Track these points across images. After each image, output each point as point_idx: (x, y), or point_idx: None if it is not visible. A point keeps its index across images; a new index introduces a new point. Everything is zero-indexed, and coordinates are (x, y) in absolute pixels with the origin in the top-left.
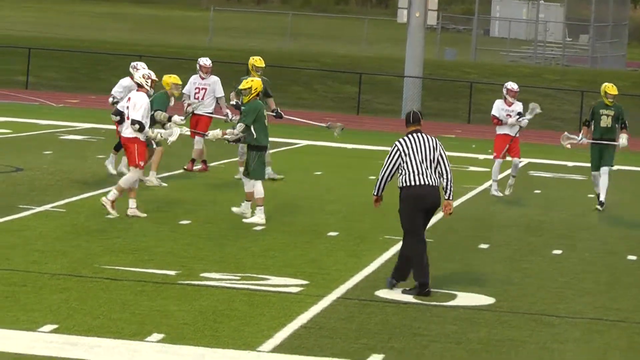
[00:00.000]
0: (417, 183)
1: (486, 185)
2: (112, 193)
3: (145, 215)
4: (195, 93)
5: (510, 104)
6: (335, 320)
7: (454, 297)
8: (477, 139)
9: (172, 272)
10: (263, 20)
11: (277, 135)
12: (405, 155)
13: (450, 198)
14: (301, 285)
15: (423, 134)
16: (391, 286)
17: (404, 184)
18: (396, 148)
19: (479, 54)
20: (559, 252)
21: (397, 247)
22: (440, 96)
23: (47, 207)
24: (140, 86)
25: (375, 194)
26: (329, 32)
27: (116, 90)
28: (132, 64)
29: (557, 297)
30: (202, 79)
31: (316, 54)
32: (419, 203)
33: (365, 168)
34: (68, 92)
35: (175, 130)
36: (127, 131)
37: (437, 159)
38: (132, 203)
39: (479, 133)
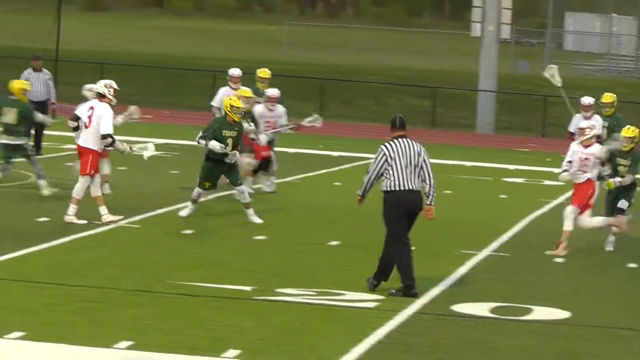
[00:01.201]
0: (400, 188)
1: (561, 199)
2: (72, 208)
3: (84, 222)
4: None
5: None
6: (411, 335)
7: (529, 311)
8: (551, 152)
9: (248, 288)
10: (336, 34)
11: (350, 150)
12: (391, 159)
13: (432, 203)
14: (377, 300)
15: (408, 140)
16: (373, 287)
17: (388, 189)
18: (382, 153)
19: None
20: (634, 265)
21: (473, 261)
22: (513, 110)
23: (122, 223)
24: (102, 96)
25: (359, 193)
26: (402, 45)
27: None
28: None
29: (632, 311)
30: (233, 89)
31: (390, 68)
32: (401, 207)
33: (441, 182)
34: (141, 107)
35: (150, 145)
36: (84, 139)
37: (421, 164)
38: (73, 210)
39: (553, 147)
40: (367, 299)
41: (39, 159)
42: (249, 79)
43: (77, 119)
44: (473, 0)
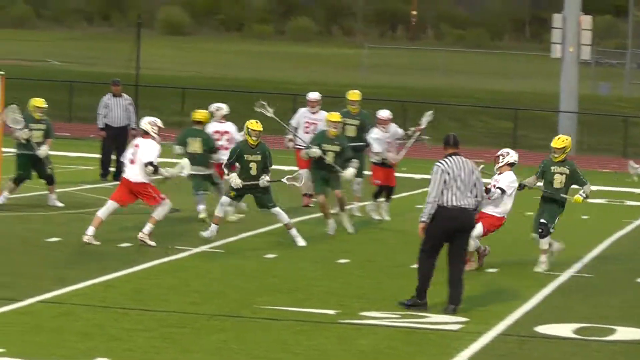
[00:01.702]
0: (450, 204)
1: None
2: (148, 226)
3: (154, 243)
4: (305, 127)
5: None
6: (495, 357)
7: (613, 331)
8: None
9: (332, 312)
10: (417, 57)
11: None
12: (448, 175)
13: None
14: (461, 323)
15: (461, 157)
16: (452, 311)
17: (440, 203)
18: (440, 169)
19: (633, 88)
20: None
21: (556, 282)
22: (594, 130)
23: (205, 248)
24: (146, 133)
25: (425, 220)
26: (483, 68)
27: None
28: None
29: None
30: (313, 113)
31: (471, 90)
32: (447, 224)
33: (522, 203)
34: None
35: (185, 161)
36: (134, 175)
37: (474, 181)
38: (148, 229)
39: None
40: (450, 321)
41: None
42: (328, 102)
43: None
44: (553, 22)
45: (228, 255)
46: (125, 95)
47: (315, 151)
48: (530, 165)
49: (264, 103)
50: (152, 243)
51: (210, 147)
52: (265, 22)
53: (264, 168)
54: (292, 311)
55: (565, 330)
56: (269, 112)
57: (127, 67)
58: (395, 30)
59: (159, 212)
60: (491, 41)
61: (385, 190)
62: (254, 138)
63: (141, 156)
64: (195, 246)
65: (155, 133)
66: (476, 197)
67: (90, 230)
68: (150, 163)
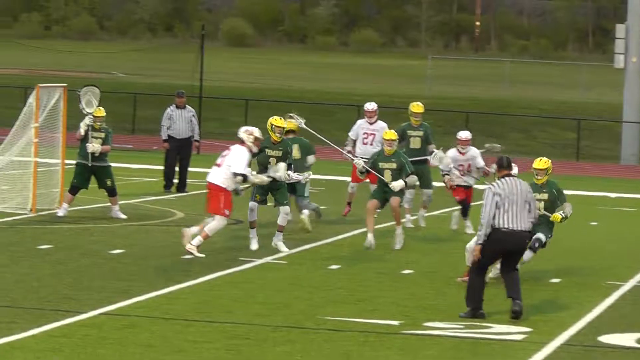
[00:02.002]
0: (504, 227)
1: None
2: (198, 239)
3: (202, 255)
4: (364, 138)
5: None
6: None
7: None
8: None
9: (396, 322)
10: (481, 68)
11: None
12: (500, 197)
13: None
14: (524, 333)
15: (515, 179)
16: (516, 316)
17: (494, 226)
18: (492, 192)
19: None
20: None
21: (619, 292)
22: None
23: (268, 259)
24: (242, 142)
25: (479, 242)
26: (547, 78)
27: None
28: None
29: None
30: (370, 124)
31: (535, 101)
32: (501, 246)
33: (586, 214)
34: None
35: (281, 164)
36: (214, 176)
37: (529, 201)
38: (198, 241)
39: None
40: (514, 332)
41: (183, 196)
42: (391, 113)
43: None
44: (616, 32)
45: (292, 266)
46: (188, 107)
47: (358, 162)
48: (594, 176)
49: (292, 115)
50: (201, 255)
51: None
52: (328, 34)
53: (287, 165)
54: (356, 322)
55: (629, 339)
56: (301, 123)
57: (190, 78)
58: (459, 41)
59: (212, 227)
60: (554, 51)
61: (462, 205)
62: (277, 134)
63: (229, 162)
64: (259, 257)
65: (251, 142)
66: (531, 218)
67: (197, 240)
68: (239, 174)
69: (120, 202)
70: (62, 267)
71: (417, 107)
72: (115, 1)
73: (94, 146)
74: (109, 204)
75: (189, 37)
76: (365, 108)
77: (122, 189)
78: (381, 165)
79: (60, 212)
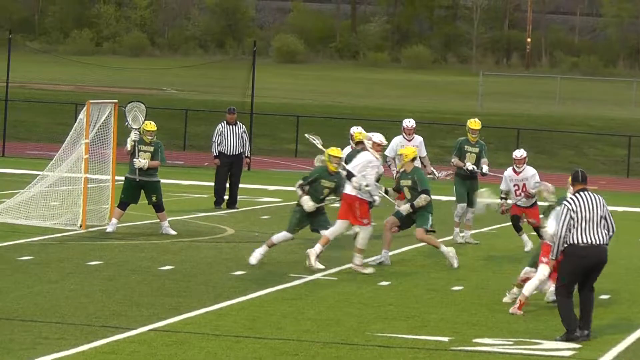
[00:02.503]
0: (582, 242)
1: None
2: (357, 257)
3: (372, 270)
4: None
5: None
6: None
7: None
8: None
9: (445, 339)
10: (532, 84)
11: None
12: (574, 212)
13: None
14: (574, 349)
15: (589, 193)
16: (584, 337)
17: (571, 242)
18: (566, 207)
19: None
20: None
21: None
22: None
23: (318, 275)
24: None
25: (553, 258)
26: (597, 94)
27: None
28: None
29: None
30: (408, 140)
31: (585, 117)
32: (580, 262)
33: (636, 230)
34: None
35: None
36: (349, 188)
37: (605, 215)
38: (358, 259)
39: None
40: (563, 348)
41: (234, 212)
42: (444, 129)
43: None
44: None
45: (342, 282)
46: (239, 124)
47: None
48: None
49: (308, 135)
50: (320, 266)
51: None
52: (380, 50)
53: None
54: (406, 339)
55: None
56: (319, 144)
57: (242, 95)
58: (510, 58)
59: (360, 241)
60: (605, 68)
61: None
62: (334, 165)
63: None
64: (310, 274)
65: (370, 147)
66: (608, 231)
67: (317, 248)
68: (348, 173)
69: (171, 219)
70: (111, 284)
71: (475, 123)
72: (166, 17)
73: (140, 161)
74: (158, 220)
75: (241, 53)
76: (404, 125)
77: (173, 205)
78: (402, 182)
79: (110, 228)
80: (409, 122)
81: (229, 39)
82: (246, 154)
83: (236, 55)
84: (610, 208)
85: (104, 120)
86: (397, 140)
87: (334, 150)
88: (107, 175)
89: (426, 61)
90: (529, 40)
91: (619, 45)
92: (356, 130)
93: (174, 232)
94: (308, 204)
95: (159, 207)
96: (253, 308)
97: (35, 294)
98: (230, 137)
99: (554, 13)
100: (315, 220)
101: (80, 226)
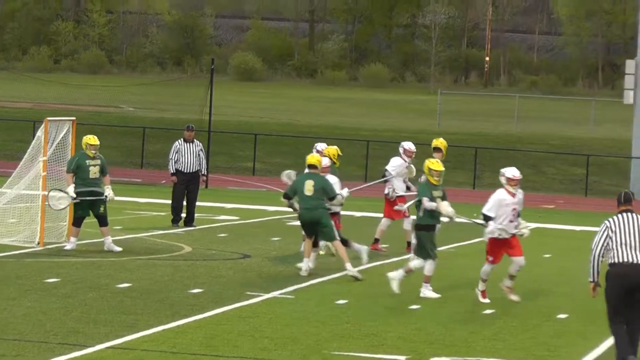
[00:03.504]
0: (622, 260)
1: None
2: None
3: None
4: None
5: None
6: None
7: None
8: None
9: (402, 357)
10: (490, 103)
11: None
12: (612, 232)
13: None
14: None
15: (633, 214)
16: None
17: (610, 261)
18: (605, 226)
19: None
20: None
21: None
22: None
23: (275, 293)
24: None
25: (591, 280)
26: (556, 113)
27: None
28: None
29: None
30: (407, 163)
31: (544, 136)
32: (621, 281)
33: None
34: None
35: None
36: None
37: None
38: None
39: None
40: None
41: (191, 230)
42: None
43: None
44: (626, 68)
45: (299, 301)
46: (196, 141)
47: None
48: (602, 212)
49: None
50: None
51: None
52: (338, 68)
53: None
54: (363, 357)
55: None
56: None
57: (199, 112)
58: (468, 77)
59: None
60: (564, 87)
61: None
62: (436, 178)
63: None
64: (266, 292)
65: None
66: None
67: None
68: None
69: (128, 236)
70: (69, 301)
71: (439, 142)
72: (124, 35)
73: (111, 194)
74: (101, 235)
75: (199, 71)
76: (408, 147)
77: (130, 222)
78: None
79: (69, 246)
80: (413, 147)
81: (187, 57)
82: (203, 172)
83: (194, 73)
84: (568, 227)
85: (62, 137)
86: (401, 162)
87: (434, 164)
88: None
89: (384, 80)
90: (487, 58)
91: (578, 64)
92: (324, 148)
93: (118, 249)
94: (448, 209)
95: (103, 220)
96: (210, 326)
97: None
98: (187, 155)
99: (512, 32)
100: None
101: (38, 243)
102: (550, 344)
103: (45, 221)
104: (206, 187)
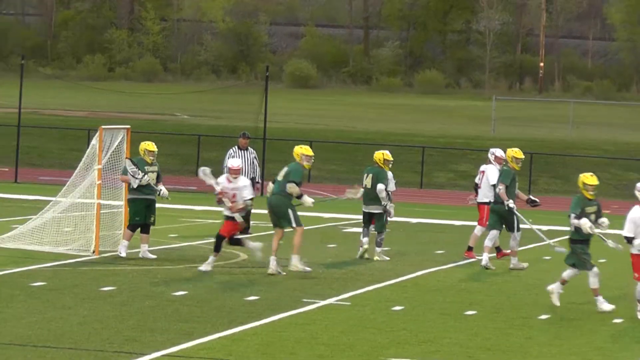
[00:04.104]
0: None
1: None
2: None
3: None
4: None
5: None
6: None
7: None
8: None
9: None
10: (545, 109)
11: (562, 224)
12: None
13: None
14: None
15: None
16: None
17: None
18: None
19: None
20: None
21: None
22: None
23: (332, 300)
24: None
25: None
26: (610, 119)
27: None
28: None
29: None
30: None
31: (598, 142)
32: None
33: None
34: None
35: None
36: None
37: None
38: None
39: None
40: None
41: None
42: (457, 154)
43: None
44: None
45: (355, 307)
46: (250, 149)
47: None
48: None
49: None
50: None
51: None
52: (393, 75)
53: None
54: None
55: None
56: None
57: (254, 120)
58: (523, 82)
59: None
60: (618, 92)
61: None
62: (591, 192)
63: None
64: (323, 298)
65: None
66: None
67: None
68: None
69: (184, 244)
70: (124, 309)
71: (518, 152)
72: (179, 43)
73: (165, 192)
74: (140, 242)
75: (253, 78)
76: (500, 155)
77: (186, 230)
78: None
79: (122, 251)
80: (503, 153)
81: (241, 64)
82: (257, 180)
83: (249, 81)
84: (621, 232)
85: (117, 145)
86: (492, 169)
87: (589, 178)
88: (119, 201)
89: (439, 86)
90: (541, 64)
91: (632, 69)
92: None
93: (152, 256)
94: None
95: (148, 229)
96: (266, 333)
97: (49, 320)
98: (241, 163)
99: (566, 37)
100: None
101: (94, 252)
102: (606, 349)
103: (100, 229)
104: (261, 194)
